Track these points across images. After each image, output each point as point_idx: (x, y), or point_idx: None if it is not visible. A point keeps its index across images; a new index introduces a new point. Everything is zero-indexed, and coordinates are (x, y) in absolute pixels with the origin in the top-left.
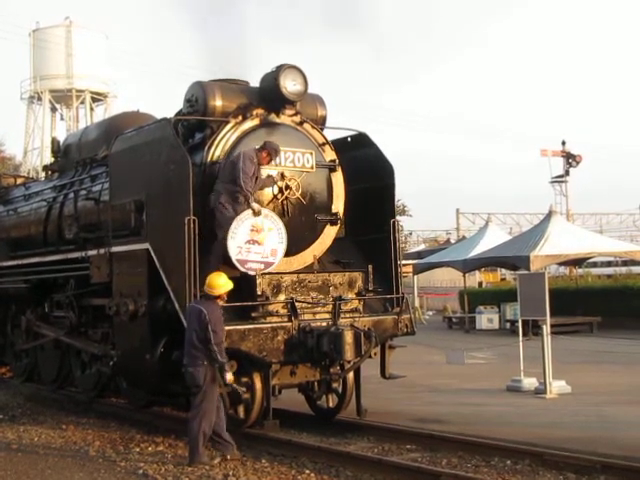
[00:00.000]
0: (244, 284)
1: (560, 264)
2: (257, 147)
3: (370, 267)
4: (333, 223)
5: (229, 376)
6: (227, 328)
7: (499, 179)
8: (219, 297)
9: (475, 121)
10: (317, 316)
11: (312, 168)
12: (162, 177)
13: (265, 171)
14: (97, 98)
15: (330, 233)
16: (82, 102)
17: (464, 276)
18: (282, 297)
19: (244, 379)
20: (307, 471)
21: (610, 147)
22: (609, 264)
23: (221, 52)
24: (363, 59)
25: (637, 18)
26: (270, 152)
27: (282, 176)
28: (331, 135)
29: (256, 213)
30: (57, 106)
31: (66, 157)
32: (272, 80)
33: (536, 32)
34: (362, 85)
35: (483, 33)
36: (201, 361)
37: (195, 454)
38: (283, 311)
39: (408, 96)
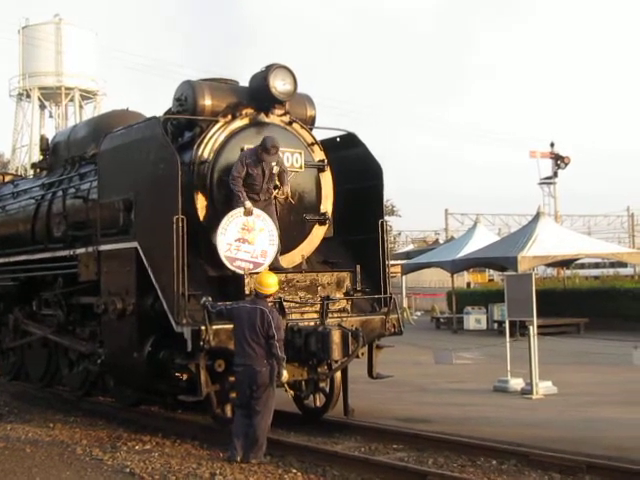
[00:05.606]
0: (232, 283)
1: (548, 265)
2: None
3: (358, 267)
4: (322, 223)
5: (285, 372)
6: (215, 327)
7: (488, 180)
8: (270, 296)
9: (464, 122)
10: (305, 316)
11: (301, 168)
12: (151, 176)
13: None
14: (86, 96)
15: (318, 233)
16: (71, 100)
17: (452, 277)
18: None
19: (231, 379)
20: (294, 470)
21: (599, 149)
22: (597, 266)
23: (211, 51)
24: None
25: (625, 21)
26: (265, 148)
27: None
28: (320, 135)
29: (247, 212)
30: (46, 103)
31: (55, 155)
32: (261, 80)
33: (527, 34)
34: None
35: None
36: (265, 360)
37: (261, 450)
38: None
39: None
